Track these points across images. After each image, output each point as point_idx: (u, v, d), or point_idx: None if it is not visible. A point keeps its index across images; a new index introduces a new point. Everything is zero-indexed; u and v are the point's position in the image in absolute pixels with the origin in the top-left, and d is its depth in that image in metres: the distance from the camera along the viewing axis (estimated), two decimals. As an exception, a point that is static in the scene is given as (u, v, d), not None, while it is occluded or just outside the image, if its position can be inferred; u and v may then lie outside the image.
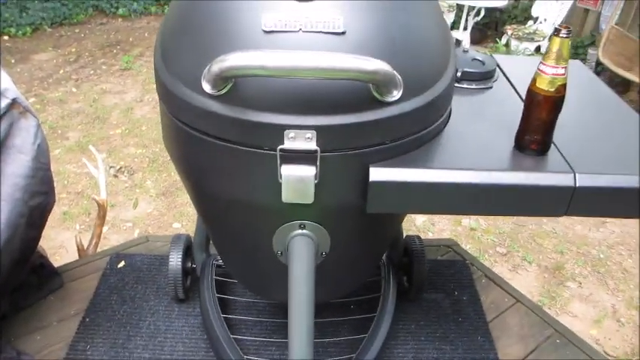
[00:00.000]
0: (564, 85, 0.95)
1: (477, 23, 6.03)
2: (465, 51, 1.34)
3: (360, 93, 0.90)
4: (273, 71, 0.82)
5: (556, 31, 0.91)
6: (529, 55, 5.15)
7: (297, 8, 0.88)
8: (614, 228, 3.49)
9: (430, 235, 3.38)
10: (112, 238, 3.28)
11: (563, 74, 0.93)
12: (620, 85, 5.05)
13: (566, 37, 0.90)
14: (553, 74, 0.93)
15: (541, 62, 0.94)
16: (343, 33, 0.88)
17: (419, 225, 3.45)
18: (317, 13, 0.88)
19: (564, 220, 3.52)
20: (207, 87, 0.90)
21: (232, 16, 0.91)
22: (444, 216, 3.46)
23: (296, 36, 0.87)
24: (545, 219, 3.48)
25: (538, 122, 0.99)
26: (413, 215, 3.40)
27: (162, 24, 1.08)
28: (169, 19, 1.05)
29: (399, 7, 0.96)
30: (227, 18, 0.91)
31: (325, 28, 0.87)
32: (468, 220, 3.49)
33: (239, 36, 0.89)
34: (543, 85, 0.94)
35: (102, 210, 2.22)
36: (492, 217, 3.45)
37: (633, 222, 3.39)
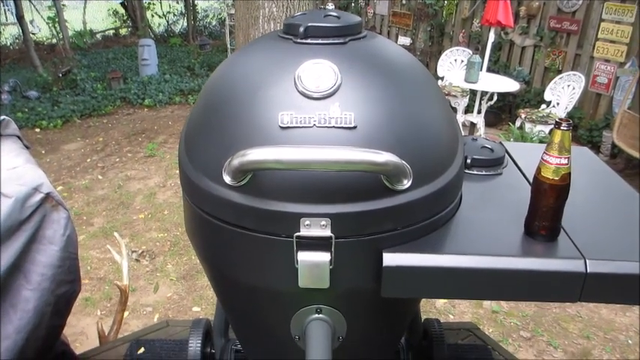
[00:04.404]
0: (569, 174, 0.98)
1: (490, 107, 6.18)
2: (474, 139, 1.40)
3: (372, 182, 0.94)
4: (288, 165, 0.88)
5: (557, 124, 0.95)
6: (543, 137, 5.22)
7: (311, 106, 0.95)
8: (641, 312, 3.41)
9: (451, 318, 3.33)
10: (132, 323, 3.29)
11: (567, 164, 0.97)
12: (638, 166, 5.07)
13: (566, 130, 0.95)
14: (557, 164, 0.97)
15: (545, 152, 0.98)
16: (354, 127, 0.94)
17: (439, 307, 3.41)
18: (330, 109, 0.94)
19: (589, 304, 3.45)
20: (227, 179, 0.96)
21: (251, 114, 0.98)
22: (464, 299, 3.41)
23: (310, 131, 0.94)
24: (571, 303, 3.42)
25: (545, 209, 1.02)
26: (435, 299, 3.36)
27: (187, 122, 1.16)
28: (193, 118, 1.13)
29: (407, 101, 1.02)
30: (247, 116, 0.98)
31: (337, 123, 0.94)
32: (489, 303, 3.43)
33: (258, 132, 0.96)
34: (548, 174, 0.98)
35: (124, 296, 2.25)
36: (514, 300, 3.39)
37: (660, 304, 3.30)
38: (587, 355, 3.03)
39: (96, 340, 2.26)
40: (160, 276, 3.82)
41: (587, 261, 0.97)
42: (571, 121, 0.96)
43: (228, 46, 9.61)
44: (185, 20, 13.23)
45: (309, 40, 1.05)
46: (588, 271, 0.96)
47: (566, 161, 0.97)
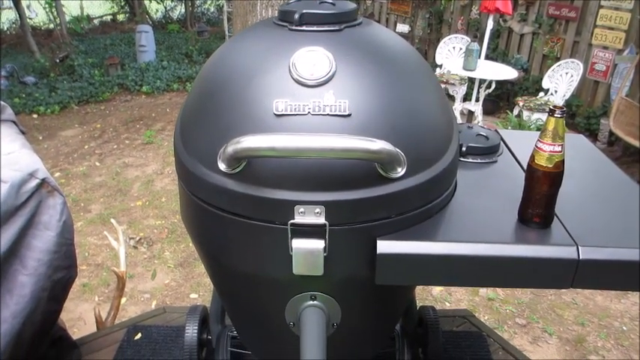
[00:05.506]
0: (562, 161, 0.99)
1: (488, 95, 6.16)
2: (470, 127, 1.40)
3: (366, 170, 0.95)
4: (282, 152, 0.88)
5: (551, 112, 0.96)
6: (541, 125, 5.22)
7: (306, 94, 0.95)
8: (636, 299, 3.42)
9: (447, 305, 3.34)
10: (130, 310, 3.30)
11: (560, 151, 0.97)
12: (636, 154, 5.07)
13: (560, 117, 0.95)
14: (550, 151, 0.97)
15: (539, 140, 0.98)
16: (349, 115, 0.94)
17: (435, 295, 3.42)
18: (324, 97, 0.94)
19: (584, 291, 3.47)
20: (222, 166, 0.97)
21: (246, 101, 0.98)
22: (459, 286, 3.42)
23: (305, 119, 0.94)
24: (564, 289, 3.43)
25: (539, 196, 1.02)
26: (429, 285, 3.38)
27: (182, 109, 1.16)
28: (188, 105, 1.13)
29: (401, 89, 1.02)
30: (241, 103, 0.98)
31: (332, 111, 0.94)
32: (485, 290, 3.45)
33: (253, 120, 0.96)
34: (542, 161, 0.98)
35: (121, 282, 2.26)
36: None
37: (655, 292, 3.33)
38: (582, 341, 3.05)
39: (93, 326, 2.27)
40: (157, 263, 3.83)
41: (580, 248, 0.98)
42: (565, 109, 0.97)
43: (227, 32, 9.55)
44: (183, 6, 13.13)
45: (304, 27, 1.04)
46: (581, 257, 0.97)
47: (559, 149, 0.97)
